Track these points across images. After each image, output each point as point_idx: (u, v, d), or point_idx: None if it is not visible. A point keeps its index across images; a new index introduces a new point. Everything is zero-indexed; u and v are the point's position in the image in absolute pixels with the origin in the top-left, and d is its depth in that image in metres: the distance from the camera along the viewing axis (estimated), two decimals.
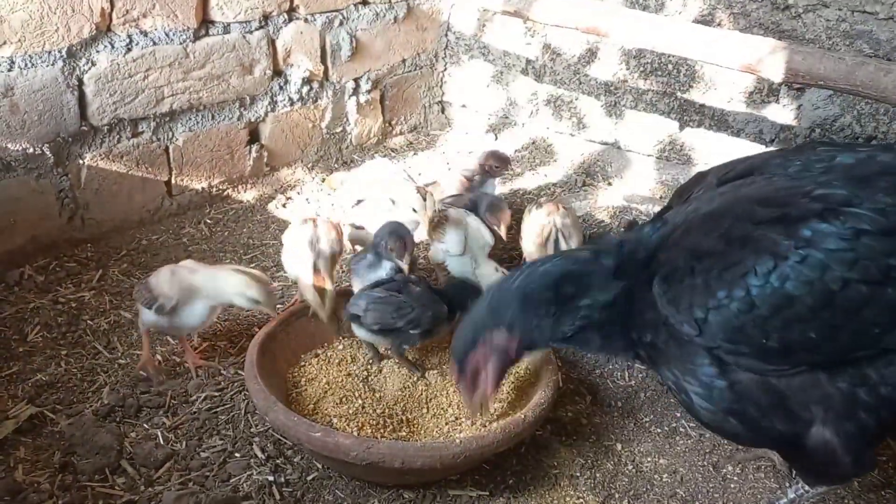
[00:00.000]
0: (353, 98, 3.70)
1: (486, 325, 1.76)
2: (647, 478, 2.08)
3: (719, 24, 3.22)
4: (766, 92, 3.22)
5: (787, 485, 1.94)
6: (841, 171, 1.59)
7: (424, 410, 2.11)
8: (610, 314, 1.70)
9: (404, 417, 2.07)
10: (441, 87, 4.19)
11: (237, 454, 2.04)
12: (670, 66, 3.42)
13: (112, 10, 2.66)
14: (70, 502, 1.84)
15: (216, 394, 2.21)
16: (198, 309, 2.22)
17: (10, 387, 2.18)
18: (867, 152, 1.62)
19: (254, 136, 3.35)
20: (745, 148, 3.36)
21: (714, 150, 3.47)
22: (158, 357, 2.35)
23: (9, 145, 2.54)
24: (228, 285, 2.20)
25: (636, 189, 3.61)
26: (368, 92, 3.74)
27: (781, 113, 3.23)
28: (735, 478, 2.10)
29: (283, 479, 1.97)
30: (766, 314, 1.47)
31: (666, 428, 2.25)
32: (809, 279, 1.44)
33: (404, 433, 2.04)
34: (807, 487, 1.73)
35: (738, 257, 1.49)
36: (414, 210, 2.35)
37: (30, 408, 2.09)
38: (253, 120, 3.30)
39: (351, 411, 2.07)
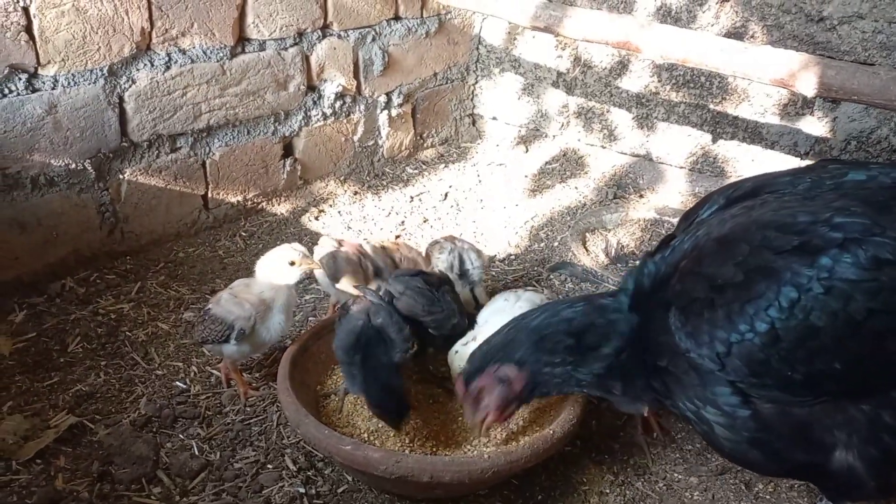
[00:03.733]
0: (385, 112, 3.74)
1: (496, 357, 1.80)
2: (678, 496, 2.07)
3: (752, 37, 3.20)
4: (800, 104, 3.18)
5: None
6: (852, 189, 1.58)
7: (454, 425, 2.12)
8: (628, 354, 1.70)
9: (434, 431, 2.09)
10: (472, 99, 4.21)
11: (269, 465, 2.07)
12: (702, 79, 3.40)
13: (152, 29, 2.74)
14: None
15: (249, 407, 2.25)
16: (276, 320, 2.24)
17: (52, 396, 2.25)
18: (878, 169, 1.60)
19: (288, 150, 3.41)
20: (780, 160, 3.33)
21: (748, 162, 3.44)
22: (194, 368, 2.41)
23: (52, 161, 2.62)
24: (271, 267, 2.24)
25: (668, 201, 3.59)
26: (400, 105, 3.78)
27: (816, 125, 3.19)
28: (768, 496, 2.08)
29: (313, 491, 2.00)
30: (790, 347, 1.46)
31: (697, 445, 2.23)
32: (834, 310, 1.43)
33: (434, 447, 2.05)
34: None
35: (760, 289, 1.47)
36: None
37: (70, 417, 2.14)
38: (287, 134, 3.35)
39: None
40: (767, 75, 2.22)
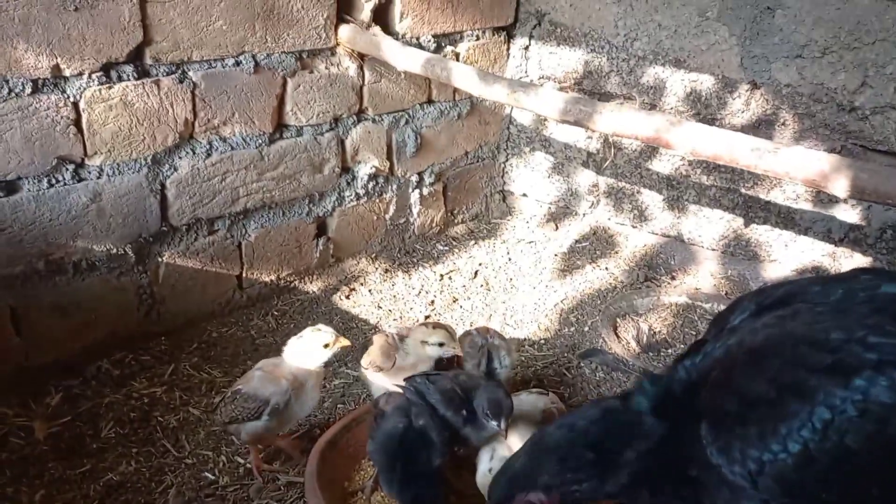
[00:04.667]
0: (417, 190, 3.80)
1: (521, 484, 1.76)
2: None
3: (783, 124, 3.21)
4: None
5: None
6: (886, 303, 1.56)
7: None
8: (655, 458, 1.67)
9: None
10: (502, 176, 4.27)
11: None
12: None
13: (195, 119, 2.83)
14: None
15: (276, 502, 2.25)
16: (309, 395, 2.30)
17: (83, 485, 2.27)
18: None
19: (321, 230, 3.47)
20: (814, 246, 3.31)
21: (780, 246, 3.42)
22: (223, 458, 2.42)
23: (94, 247, 2.70)
24: (305, 349, 2.30)
25: (701, 284, 3.57)
26: (432, 184, 3.84)
27: (850, 213, 3.17)
28: None
29: None
30: (824, 469, 1.43)
31: None
32: (869, 433, 1.40)
33: None
34: None
35: (793, 408, 1.45)
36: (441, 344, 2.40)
37: None
38: (321, 215, 3.42)
39: None
40: (799, 176, 2.22)
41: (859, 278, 1.71)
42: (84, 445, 2.43)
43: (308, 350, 2.32)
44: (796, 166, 2.22)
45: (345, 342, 2.34)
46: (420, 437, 2.04)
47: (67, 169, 2.58)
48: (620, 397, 1.78)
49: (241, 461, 2.40)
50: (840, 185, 2.16)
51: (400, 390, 2.21)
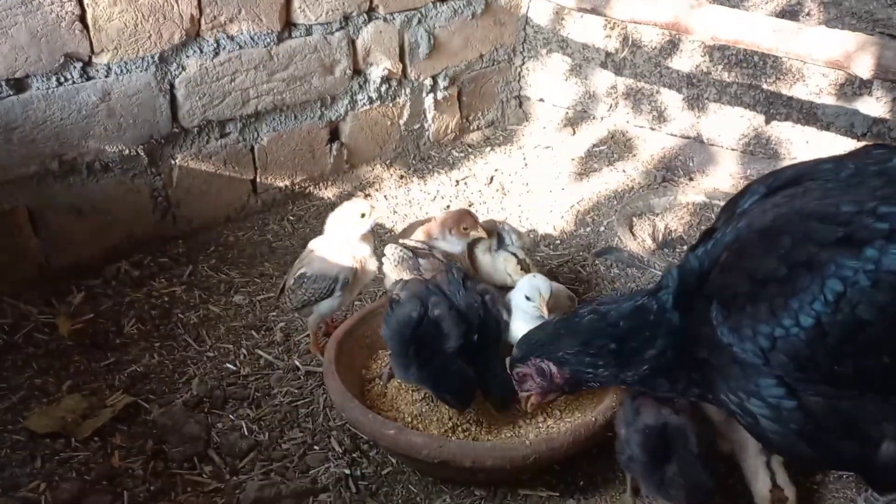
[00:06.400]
0: (431, 95, 3.73)
1: (539, 351, 1.81)
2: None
3: (808, 14, 3.09)
4: (857, 84, 3.07)
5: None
6: None
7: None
8: (673, 353, 1.68)
9: (476, 416, 2.10)
10: (518, 81, 4.17)
11: (316, 447, 2.12)
12: (756, 58, 3.31)
13: (201, 16, 2.78)
14: (161, 488, 1.97)
15: (296, 389, 2.30)
16: (370, 263, 2.39)
17: (108, 376, 2.33)
18: None
19: (334, 135, 3.43)
20: (836, 142, 3.23)
21: (802, 143, 3.34)
22: (244, 351, 2.47)
23: (106, 147, 2.70)
24: (343, 221, 2.38)
25: (719, 184, 3.52)
26: (446, 88, 3.77)
27: (875, 106, 3.08)
28: (816, 486, 2.04)
29: (358, 473, 2.04)
30: (836, 341, 1.42)
31: None
32: (881, 303, 1.38)
33: (477, 432, 2.07)
34: (876, 496, 1.69)
35: (804, 283, 1.43)
36: None
37: (125, 397, 2.23)
38: (334, 119, 3.38)
39: (425, 409, 2.11)
40: (822, 57, 2.15)
41: (871, 153, 1.67)
42: (108, 340, 2.49)
43: (348, 219, 2.38)
44: (819, 46, 2.15)
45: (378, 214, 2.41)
46: (435, 326, 2.05)
47: (75, 67, 2.55)
48: (652, 293, 1.78)
49: (262, 353, 2.45)
50: (864, 64, 2.09)
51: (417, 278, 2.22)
